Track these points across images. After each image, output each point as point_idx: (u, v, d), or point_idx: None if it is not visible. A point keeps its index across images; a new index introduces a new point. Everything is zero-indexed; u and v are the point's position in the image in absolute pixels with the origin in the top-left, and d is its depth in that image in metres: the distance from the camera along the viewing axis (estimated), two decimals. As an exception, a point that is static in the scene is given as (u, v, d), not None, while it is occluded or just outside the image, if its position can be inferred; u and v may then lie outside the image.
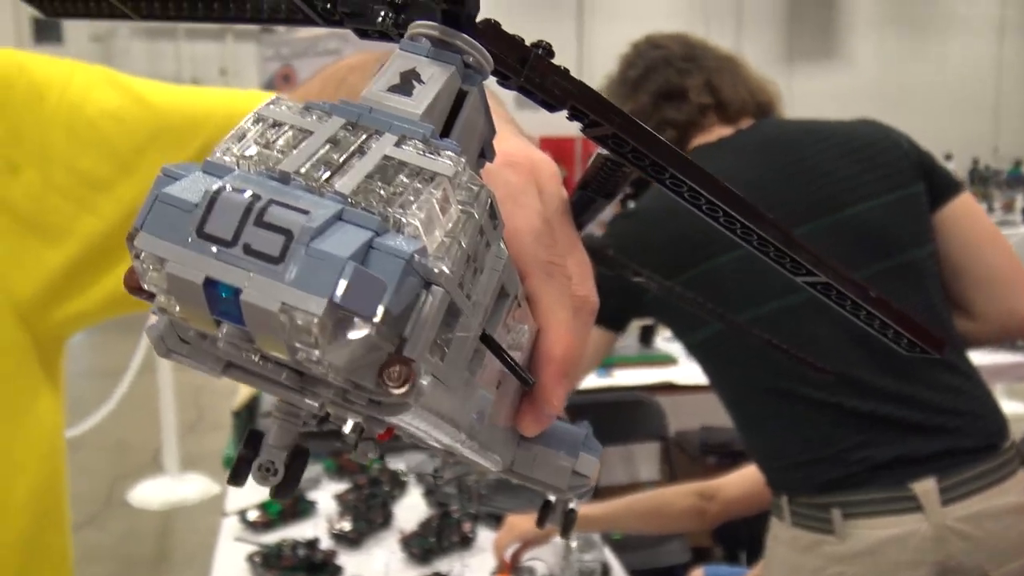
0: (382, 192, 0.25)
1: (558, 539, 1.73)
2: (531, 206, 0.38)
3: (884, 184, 1.39)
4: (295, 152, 0.26)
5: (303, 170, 0.25)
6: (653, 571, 2.48)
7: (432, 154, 0.26)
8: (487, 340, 0.30)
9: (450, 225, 0.26)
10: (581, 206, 0.42)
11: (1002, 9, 13.28)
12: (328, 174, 0.25)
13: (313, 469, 2.02)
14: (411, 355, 0.24)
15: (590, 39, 11.42)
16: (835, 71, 12.50)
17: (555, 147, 7.12)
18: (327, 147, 0.26)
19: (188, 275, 0.23)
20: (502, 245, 0.31)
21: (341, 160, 0.26)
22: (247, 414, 2.28)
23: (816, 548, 1.37)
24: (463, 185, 0.27)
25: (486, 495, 1.87)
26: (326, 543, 1.69)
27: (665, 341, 3.34)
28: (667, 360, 3.16)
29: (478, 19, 0.31)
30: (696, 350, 1.49)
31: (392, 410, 0.26)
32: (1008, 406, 1.60)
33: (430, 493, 1.91)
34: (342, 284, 0.22)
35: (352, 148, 0.26)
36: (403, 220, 0.25)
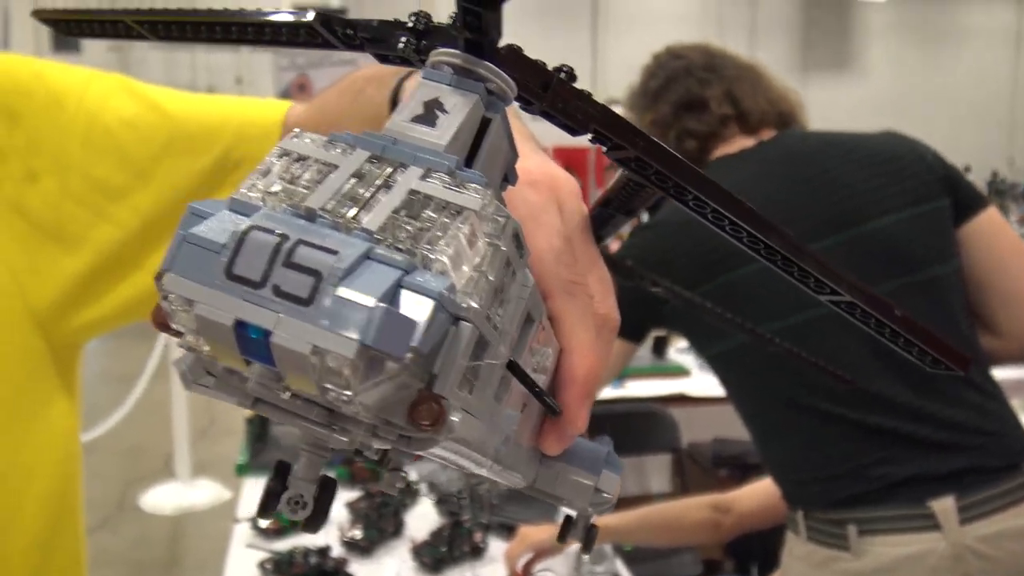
0: (409, 228, 0.25)
1: (570, 550, 1.72)
2: (551, 225, 0.38)
3: (908, 198, 1.37)
4: (320, 188, 0.26)
5: (329, 206, 0.25)
6: (664, 583, 2.46)
7: (458, 187, 0.26)
8: (514, 368, 0.30)
9: (477, 259, 0.26)
10: (601, 222, 0.42)
11: (1018, 20, 13.22)
12: (355, 210, 0.25)
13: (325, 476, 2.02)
14: (441, 391, 0.24)
15: (604, 49, 11.44)
16: (849, 82, 12.48)
17: (569, 157, 7.12)
18: (352, 182, 0.26)
19: (217, 317, 0.23)
20: (528, 272, 0.30)
21: (367, 196, 0.26)
22: (259, 421, 2.29)
23: (831, 564, 1.36)
24: (489, 217, 0.26)
25: (498, 505, 1.86)
26: (337, 551, 1.69)
27: (678, 352, 3.33)
28: (680, 371, 3.15)
29: (499, 44, 0.31)
30: (715, 362, 1.48)
31: (422, 444, 0.26)
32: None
33: (441, 502, 1.90)
34: (373, 326, 0.22)
35: (378, 183, 0.26)
36: (431, 256, 0.24)
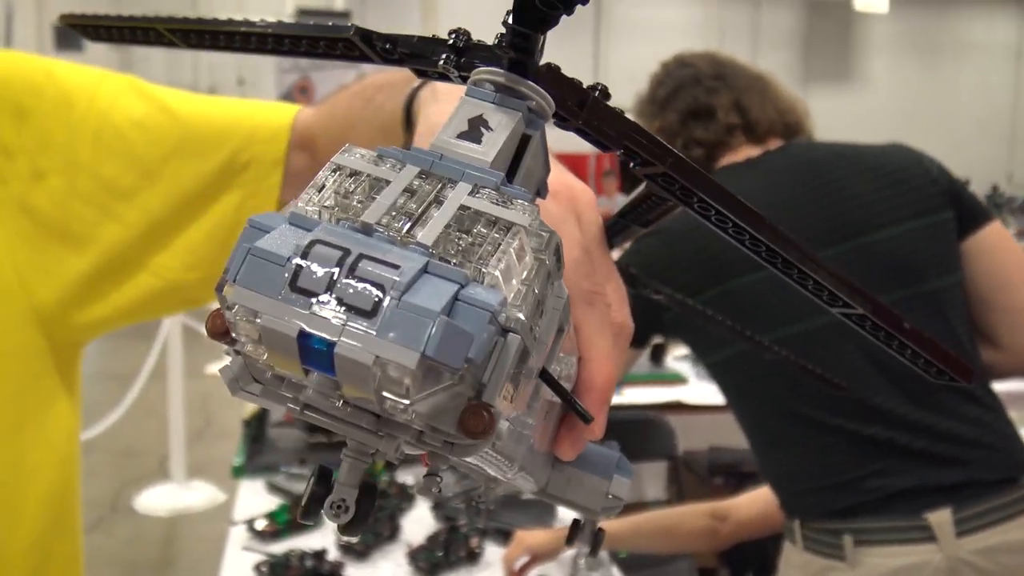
0: (460, 242, 0.26)
1: (565, 555, 1.72)
2: (571, 236, 0.39)
3: (912, 210, 1.37)
4: (375, 203, 0.27)
5: (384, 221, 0.26)
6: (659, 591, 2.46)
7: (505, 203, 0.27)
8: (546, 377, 0.31)
9: (525, 273, 0.27)
10: (615, 232, 0.43)
11: (1019, 35, 13.26)
12: (409, 225, 0.26)
13: (321, 480, 2.02)
14: (489, 400, 0.25)
15: (606, 57, 11.46)
16: (851, 93, 12.51)
17: (569, 163, 7.10)
18: (404, 197, 0.27)
19: (282, 328, 0.24)
20: (563, 285, 0.32)
21: (419, 211, 0.27)
22: (256, 423, 2.28)
23: (827, 574, 1.36)
24: (535, 232, 0.28)
25: (494, 510, 1.86)
26: (333, 554, 1.69)
27: (675, 360, 3.33)
28: (677, 379, 3.15)
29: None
30: (715, 369, 1.49)
31: (466, 451, 0.27)
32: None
33: (438, 507, 1.90)
34: (434, 338, 0.23)
35: (429, 198, 0.27)
36: (483, 270, 0.26)
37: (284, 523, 1.81)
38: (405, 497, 1.95)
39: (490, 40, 0.33)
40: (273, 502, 1.93)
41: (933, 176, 1.41)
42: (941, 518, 1.29)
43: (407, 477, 2.06)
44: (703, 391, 2.97)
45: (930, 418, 1.34)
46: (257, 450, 2.22)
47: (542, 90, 0.31)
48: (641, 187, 0.37)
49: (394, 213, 0.27)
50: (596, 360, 0.36)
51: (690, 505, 1.81)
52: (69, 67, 0.77)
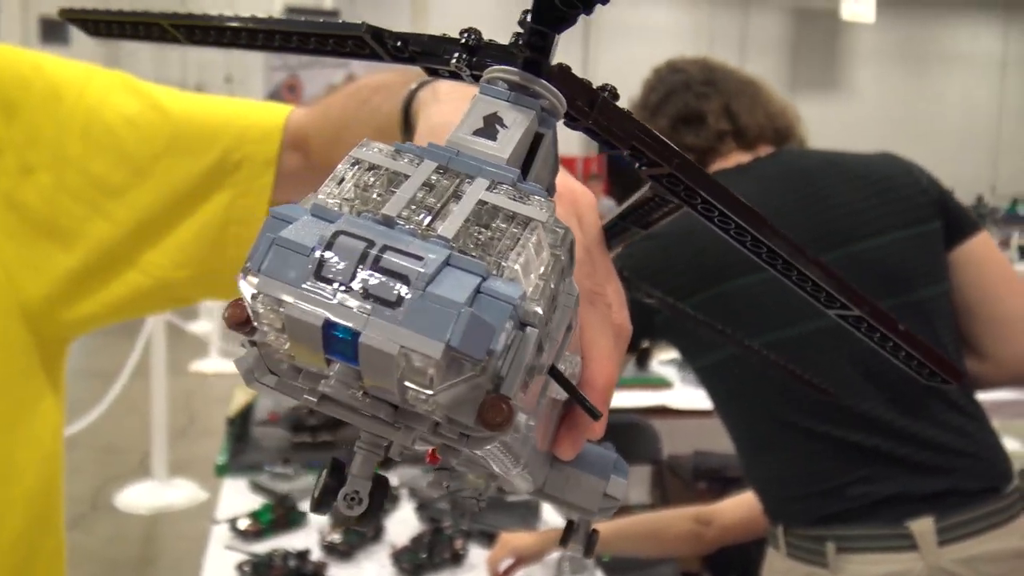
0: (480, 236, 0.27)
1: (549, 557, 1.72)
2: (574, 236, 0.39)
3: (900, 219, 1.38)
4: (395, 196, 0.27)
5: (404, 214, 0.27)
6: (642, 594, 2.46)
7: (523, 199, 0.28)
8: (555, 374, 0.31)
9: (542, 268, 0.27)
10: (613, 234, 0.43)
11: (1004, 47, 13.39)
12: (429, 218, 0.27)
13: (305, 480, 2.02)
14: (508, 393, 0.25)
15: (595, 62, 11.49)
16: (837, 102, 12.59)
17: (557, 166, 7.13)
18: (423, 191, 0.28)
19: (307, 318, 0.24)
20: (573, 282, 0.32)
21: (438, 205, 0.27)
22: (240, 421, 2.27)
23: (810, 580, 1.36)
24: (550, 228, 0.28)
25: (478, 512, 1.86)
26: (317, 554, 1.68)
27: (661, 364, 3.34)
28: (662, 384, 3.16)
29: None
30: (705, 373, 1.49)
31: (481, 443, 0.27)
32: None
33: (422, 508, 1.90)
34: (459, 329, 0.24)
35: (447, 193, 0.28)
36: (503, 264, 0.26)
37: (267, 522, 1.80)
38: (390, 498, 1.95)
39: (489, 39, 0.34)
40: (256, 501, 1.92)
41: (923, 186, 1.42)
42: (923, 527, 1.30)
43: (392, 478, 2.05)
44: (688, 396, 2.98)
45: (915, 426, 1.35)
46: (241, 449, 2.20)
47: (556, 91, 0.32)
48: (644, 189, 0.37)
49: (414, 207, 0.27)
50: (597, 360, 0.36)
51: (675, 509, 1.81)
52: (58, 61, 0.76)
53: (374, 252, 0.25)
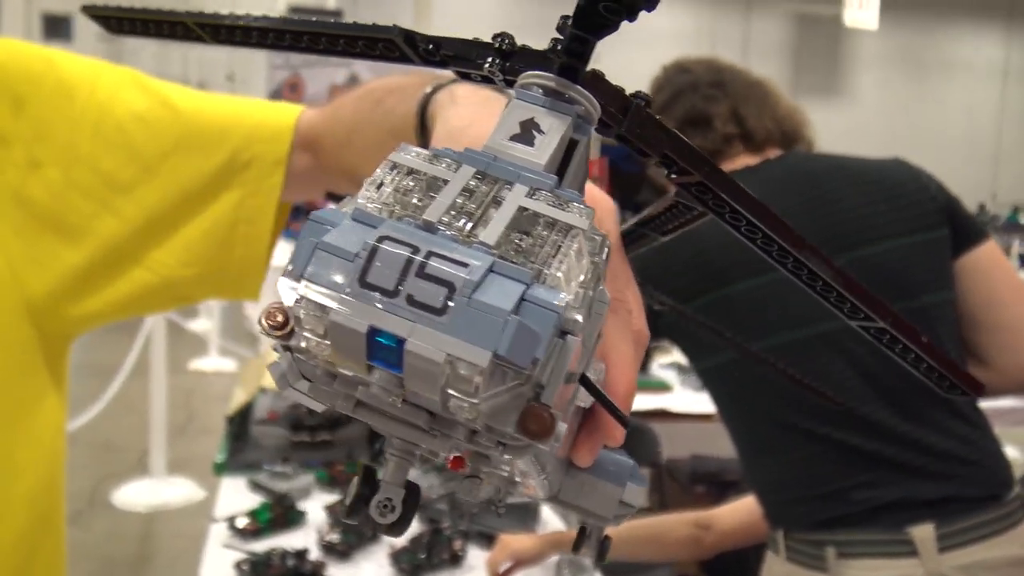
0: (520, 243, 0.26)
1: (549, 560, 1.72)
2: None
3: (907, 225, 1.38)
4: (435, 202, 0.27)
5: (445, 219, 0.27)
6: (640, 598, 2.46)
7: (562, 205, 0.28)
8: (586, 382, 0.31)
9: (582, 276, 0.27)
10: (630, 240, 0.43)
11: (1006, 55, 13.40)
12: (470, 224, 0.27)
13: (304, 479, 2.01)
14: (548, 402, 0.25)
15: (597, 64, 11.47)
16: (839, 107, 12.59)
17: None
18: (463, 196, 0.27)
19: (352, 324, 0.24)
20: (605, 290, 0.32)
21: (479, 211, 0.27)
22: (240, 420, 2.27)
23: (809, 585, 1.36)
24: (590, 235, 0.28)
25: (477, 514, 1.86)
26: (315, 554, 1.68)
27: (661, 368, 3.34)
28: (662, 387, 3.16)
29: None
30: (708, 375, 1.49)
31: (520, 451, 0.27)
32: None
33: (421, 509, 1.90)
34: (506, 337, 0.24)
35: (487, 199, 0.28)
36: (546, 271, 0.26)
37: (265, 521, 1.80)
38: (388, 498, 1.95)
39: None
40: (255, 500, 1.92)
41: (931, 193, 1.42)
42: (924, 533, 1.30)
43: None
44: (687, 399, 2.98)
45: (917, 432, 1.35)
46: (240, 447, 2.20)
47: (591, 97, 0.32)
48: (669, 195, 0.37)
49: (454, 212, 0.27)
50: (618, 366, 0.36)
51: (674, 514, 1.81)
52: (70, 57, 0.76)
53: (419, 258, 0.24)
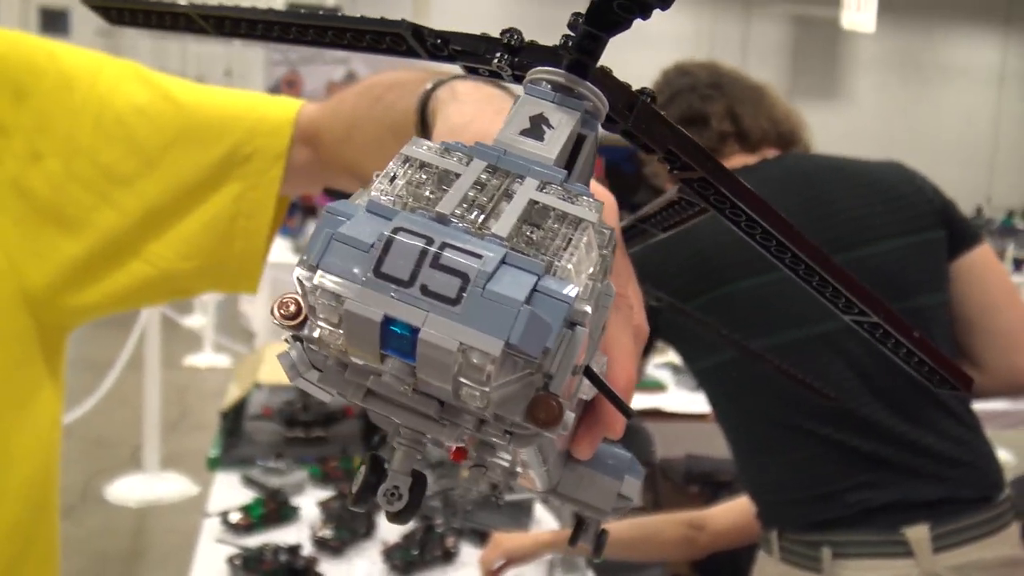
0: (531, 235, 0.27)
1: (542, 558, 1.72)
2: None
3: (902, 227, 1.39)
4: (448, 194, 0.28)
5: (458, 212, 0.27)
6: (632, 597, 2.46)
7: (572, 199, 0.28)
8: (590, 374, 0.31)
9: (591, 268, 0.28)
10: (629, 236, 0.43)
11: (1002, 60, 13.44)
12: (482, 217, 0.27)
13: (298, 475, 2.01)
14: (556, 391, 0.26)
15: (595, 63, 11.48)
16: (836, 111, 12.62)
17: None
18: (475, 189, 0.28)
19: (367, 313, 0.25)
20: (611, 283, 0.33)
21: (490, 204, 0.28)
22: (233, 416, 2.27)
23: (803, 586, 1.37)
24: (599, 229, 0.29)
25: (470, 511, 1.86)
26: (308, 550, 1.68)
27: (655, 368, 3.34)
28: (656, 387, 3.16)
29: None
30: (704, 375, 1.49)
31: (526, 441, 0.27)
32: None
33: (415, 506, 1.90)
34: (519, 327, 0.24)
35: (498, 192, 0.28)
36: (556, 263, 0.26)
37: (258, 516, 1.80)
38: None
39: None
40: (248, 495, 1.92)
41: (928, 196, 1.43)
42: (919, 534, 1.31)
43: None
44: (682, 399, 2.99)
45: (914, 433, 1.35)
46: (233, 443, 2.20)
47: (600, 93, 0.32)
48: (671, 191, 0.37)
49: (466, 205, 0.27)
50: (619, 360, 0.37)
51: (668, 514, 1.81)
52: (72, 50, 0.76)
53: (433, 249, 0.25)
